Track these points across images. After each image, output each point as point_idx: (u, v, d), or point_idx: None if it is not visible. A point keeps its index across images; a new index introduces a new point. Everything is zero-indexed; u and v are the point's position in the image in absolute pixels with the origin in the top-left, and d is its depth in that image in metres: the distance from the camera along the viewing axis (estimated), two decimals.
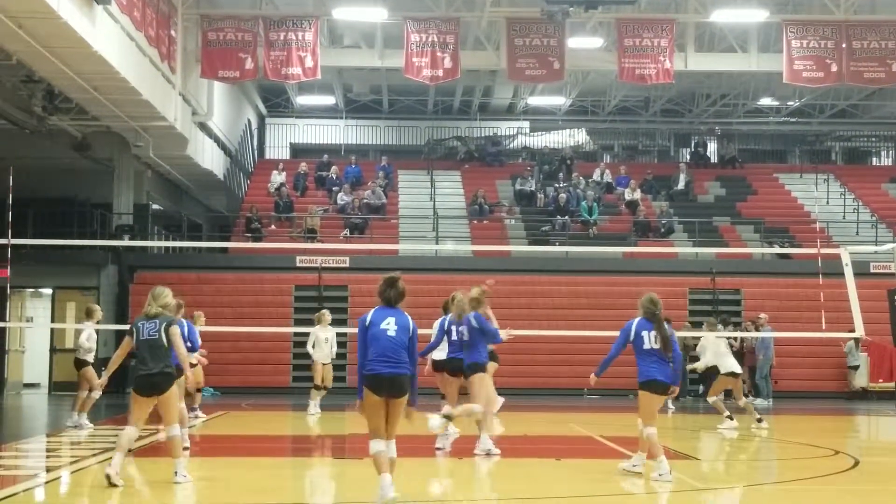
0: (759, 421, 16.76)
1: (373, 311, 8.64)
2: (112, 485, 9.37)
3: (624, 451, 13.07)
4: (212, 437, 15.06)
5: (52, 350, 26.02)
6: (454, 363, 12.62)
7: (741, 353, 23.64)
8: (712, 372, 18.07)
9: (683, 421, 19.54)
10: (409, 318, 8.62)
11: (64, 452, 13.25)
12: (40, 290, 27.71)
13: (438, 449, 12.41)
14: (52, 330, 26.00)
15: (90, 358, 16.25)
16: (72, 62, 19.54)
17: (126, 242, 24.97)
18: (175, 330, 9.96)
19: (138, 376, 9.95)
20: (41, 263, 25.31)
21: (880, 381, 24.46)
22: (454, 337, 12.48)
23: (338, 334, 24.65)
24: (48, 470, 11.49)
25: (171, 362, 9.96)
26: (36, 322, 27.68)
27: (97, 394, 15.57)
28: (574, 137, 38.79)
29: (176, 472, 9.73)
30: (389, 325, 8.46)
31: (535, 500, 9.76)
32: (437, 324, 13.18)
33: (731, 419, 16.53)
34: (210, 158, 29.54)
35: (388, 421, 8.41)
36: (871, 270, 25.66)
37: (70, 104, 23.29)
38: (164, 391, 9.82)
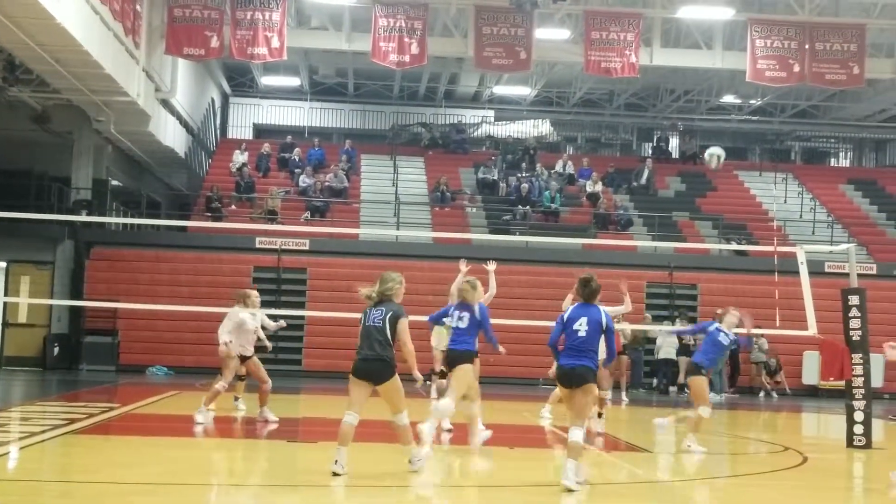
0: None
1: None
2: (335, 474, 9.16)
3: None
4: (164, 417, 14.97)
5: (5, 325, 25.72)
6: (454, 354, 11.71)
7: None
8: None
9: (635, 413, 19.69)
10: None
11: (13, 428, 13.11)
12: None
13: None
14: (5, 304, 25.68)
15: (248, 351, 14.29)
16: (34, 33, 19.26)
17: (83, 218, 24.71)
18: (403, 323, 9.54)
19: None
20: None
21: (831, 379, 24.73)
22: (454, 323, 11.72)
23: (295, 317, 24.71)
24: None
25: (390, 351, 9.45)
26: None
27: (223, 385, 13.85)
28: (538, 128, 38.88)
29: (409, 461, 9.69)
30: (581, 326, 9.26)
31: (485, 489, 9.81)
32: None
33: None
34: (172, 136, 29.28)
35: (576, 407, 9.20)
36: (826, 270, 26.00)
37: (31, 76, 22.97)
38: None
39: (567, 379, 9.26)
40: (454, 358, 11.55)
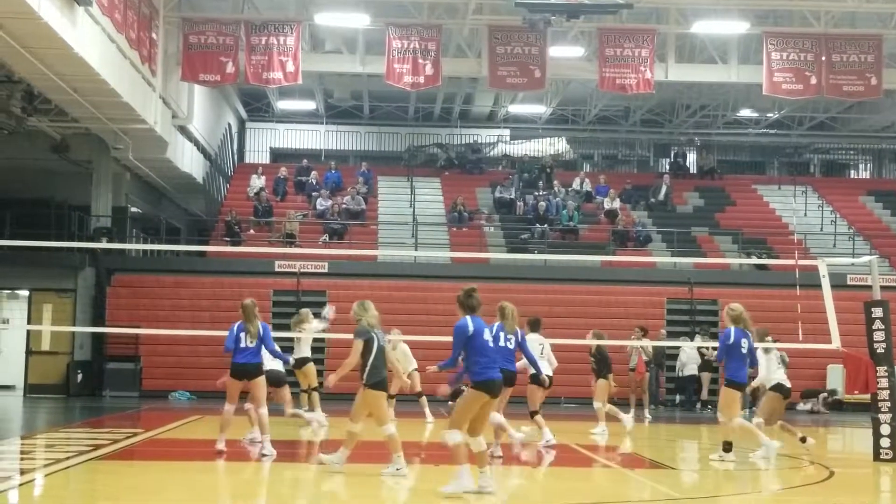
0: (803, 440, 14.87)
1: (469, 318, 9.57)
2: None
3: (598, 458, 13.11)
4: (187, 442, 14.98)
5: (28, 352, 25.84)
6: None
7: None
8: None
9: (659, 430, 19.58)
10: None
11: (39, 455, 13.16)
12: (17, 291, 27.54)
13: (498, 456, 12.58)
14: (28, 332, 25.82)
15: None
16: (52, 63, 19.43)
17: (104, 245, 24.85)
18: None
19: (382, 380, 10.93)
20: (18, 265, 25.19)
21: (856, 392, 24.55)
22: (500, 344, 12.09)
23: (316, 339, 24.69)
24: (22, 472, 11.39)
25: None
26: (12, 324, 27.49)
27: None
28: (554, 146, 38.86)
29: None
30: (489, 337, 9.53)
31: None
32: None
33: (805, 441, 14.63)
34: (190, 162, 29.43)
35: (482, 419, 9.57)
36: (848, 283, 25.80)
37: (49, 105, 23.16)
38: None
39: (499, 388, 9.64)
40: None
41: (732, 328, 12.82)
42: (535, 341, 14.31)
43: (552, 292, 26.75)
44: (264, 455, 12.48)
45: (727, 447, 12.95)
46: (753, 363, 13.15)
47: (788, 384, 14.64)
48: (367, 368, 10.74)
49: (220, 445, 12.60)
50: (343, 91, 36.16)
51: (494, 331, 11.87)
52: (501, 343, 12.08)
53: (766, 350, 14.33)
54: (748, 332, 12.87)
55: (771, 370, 14.43)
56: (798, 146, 39.31)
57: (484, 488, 9.34)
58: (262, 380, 12.83)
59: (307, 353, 16.82)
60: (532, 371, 13.95)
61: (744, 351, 12.76)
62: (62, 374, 25.39)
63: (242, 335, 12.62)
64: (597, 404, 16.98)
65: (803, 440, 14.57)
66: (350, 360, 10.88)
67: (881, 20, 27.03)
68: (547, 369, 14.43)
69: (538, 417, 14.61)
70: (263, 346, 12.74)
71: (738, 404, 13.02)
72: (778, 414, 14.65)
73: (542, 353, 14.39)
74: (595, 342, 17.05)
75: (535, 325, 14.74)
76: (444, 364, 9.91)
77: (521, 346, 12.64)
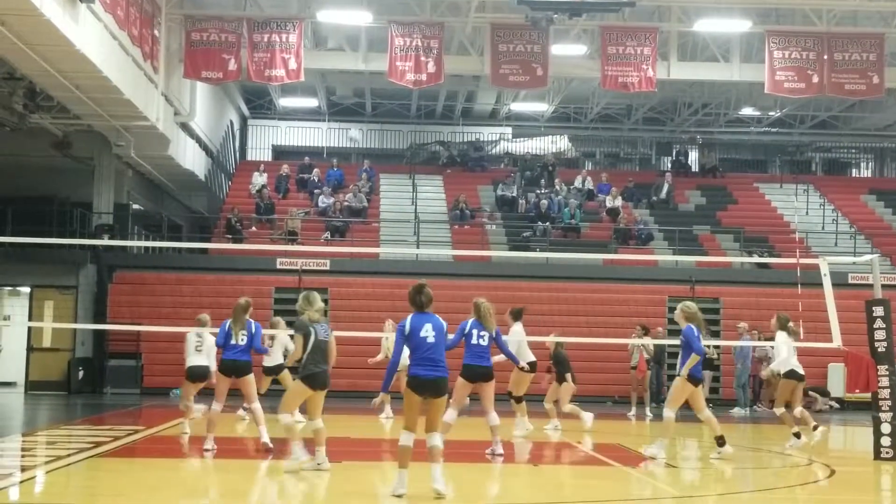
0: (815, 428, 15.30)
1: (410, 317, 9.36)
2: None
3: (601, 457, 13.12)
4: (188, 439, 15.00)
5: (30, 349, 25.86)
6: (474, 370, 12.81)
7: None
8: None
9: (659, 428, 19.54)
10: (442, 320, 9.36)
11: (39, 452, 13.17)
12: (18, 288, 27.57)
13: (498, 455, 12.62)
14: (30, 329, 25.84)
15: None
16: (54, 60, 19.43)
17: (106, 242, 24.85)
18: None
19: (311, 374, 10.82)
20: (20, 261, 25.22)
21: (857, 391, 24.55)
22: (474, 341, 12.70)
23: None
24: (23, 469, 11.41)
25: None
26: (13, 320, 27.52)
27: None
28: (556, 144, 38.85)
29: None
30: (428, 333, 9.19)
31: None
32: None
33: (799, 437, 14.87)
34: (191, 159, 29.44)
35: (430, 417, 9.25)
36: (850, 281, 25.80)
37: (51, 102, 23.17)
38: (327, 387, 10.99)
39: (424, 388, 9.28)
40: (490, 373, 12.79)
41: (692, 326, 12.82)
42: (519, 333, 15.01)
43: (554, 290, 26.75)
44: (268, 450, 12.53)
45: (720, 441, 13.04)
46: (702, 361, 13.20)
47: (802, 370, 14.89)
48: (303, 361, 10.82)
49: (208, 445, 12.62)
50: (345, 88, 36.16)
51: (468, 328, 12.62)
52: (474, 340, 12.59)
53: (791, 334, 14.72)
54: (701, 330, 12.93)
55: (789, 357, 14.75)
56: (800, 145, 39.28)
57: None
58: (251, 377, 12.92)
59: (280, 359, 17.23)
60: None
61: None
62: (63, 371, 25.41)
63: (232, 332, 12.74)
64: (547, 405, 16.98)
65: (797, 435, 14.78)
66: (293, 355, 11.18)
67: (883, 19, 27.01)
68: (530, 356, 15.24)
69: (523, 405, 15.42)
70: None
71: (684, 399, 12.99)
72: (798, 400, 15.12)
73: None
74: (557, 339, 17.26)
75: (517, 315, 15.19)
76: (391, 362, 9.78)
77: (498, 342, 12.93)
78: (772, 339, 15.88)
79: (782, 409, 14.85)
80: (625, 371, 22.66)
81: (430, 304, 9.43)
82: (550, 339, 17.24)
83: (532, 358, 15.36)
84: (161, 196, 31.42)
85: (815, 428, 15.05)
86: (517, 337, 15.09)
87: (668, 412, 13.02)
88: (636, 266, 27.78)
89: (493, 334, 12.76)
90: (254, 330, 12.93)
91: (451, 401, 12.14)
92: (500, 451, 12.81)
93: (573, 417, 16.81)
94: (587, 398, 23.65)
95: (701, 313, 13.12)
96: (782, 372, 14.88)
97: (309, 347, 10.79)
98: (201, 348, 14.50)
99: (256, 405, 12.96)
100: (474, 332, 12.62)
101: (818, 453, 14.28)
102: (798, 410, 15.15)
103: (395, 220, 30.44)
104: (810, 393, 24.29)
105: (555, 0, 23.24)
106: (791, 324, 15.07)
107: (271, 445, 12.61)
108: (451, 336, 11.28)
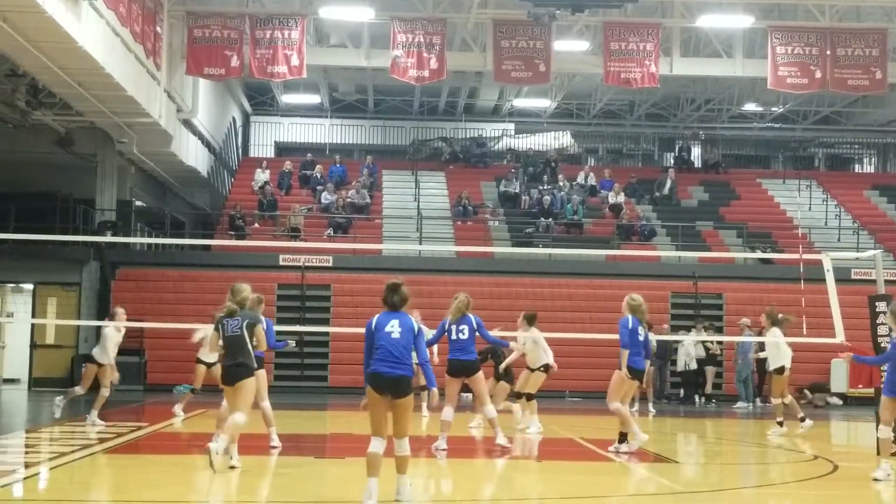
0: (802, 420, 16.23)
1: (378, 315, 8.93)
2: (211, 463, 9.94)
3: (602, 452, 13.13)
4: (191, 436, 15.02)
5: (33, 346, 25.89)
6: (454, 364, 12.87)
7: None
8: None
9: (663, 424, 19.58)
10: (413, 319, 8.95)
11: (43, 448, 13.20)
12: (21, 285, 27.59)
13: (442, 449, 12.45)
14: (33, 325, 25.86)
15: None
16: (56, 57, 19.44)
17: (108, 238, 24.87)
18: (259, 329, 10.72)
19: (223, 368, 10.77)
20: (22, 258, 25.23)
21: (860, 386, 24.65)
22: (453, 336, 12.80)
23: (320, 334, 24.78)
24: (27, 466, 11.43)
25: (251, 357, 10.64)
26: (16, 317, 27.55)
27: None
28: (559, 140, 38.83)
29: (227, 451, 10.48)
30: (394, 328, 8.74)
31: (515, 502, 9.78)
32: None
33: (782, 425, 15.93)
34: (194, 156, 29.45)
35: (395, 419, 8.65)
36: (853, 277, 25.80)
37: (54, 99, 23.19)
38: (239, 381, 10.50)
39: (385, 386, 8.65)
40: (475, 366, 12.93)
41: (630, 317, 12.67)
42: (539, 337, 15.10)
43: (556, 286, 26.75)
44: (273, 447, 12.51)
45: (622, 438, 12.88)
46: (648, 355, 13.19)
47: (789, 364, 16.05)
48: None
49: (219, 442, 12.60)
50: (347, 85, 36.15)
51: (448, 323, 12.80)
52: (454, 335, 12.71)
53: (781, 326, 15.78)
54: (643, 324, 12.88)
55: (783, 352, 15.68)
56: (803, 140, 39.25)
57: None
58: (261, 373, 12.82)
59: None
60: (520, 357, 14.95)
61: (641, 339, 12.71)
62: (67, 368, 25.43)
63: None
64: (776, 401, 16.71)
65: (780, 424, 15.67)
66: (211, 350, 11.76)
67: (886, 14, 26.98)
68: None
69: (523, 401, 15.55)
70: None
71: (625, 390, 12.92)
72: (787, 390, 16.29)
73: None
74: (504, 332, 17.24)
75: (531, 320, 15.23)
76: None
77: (480, 331, 12.98)
78: (762, 333, 16.44)
79: (788, 398, 15.94)
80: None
81: (403, 305, 8.82)
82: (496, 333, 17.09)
83: (546, 361, 15.42)
84: (164, 193, 31.44)
85: (780, 423, 15.95)
86: (528, 342, 15.24)
87: (612, 405, 12.83)
88: (639, 262, 27.75)
89: (474, 325, 12.82)
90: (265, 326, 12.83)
91: (444, 398, 12.21)
92: (504, 441, 12.85)
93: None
94: (589, 394, 23.75)
95: (646, 305, 12.95)
96: (774, 368, 15.80)
97: (220, 342, 10.67)
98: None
99: (265, 403, 12.85)
100: (453, 327, 12.78)
101: (820, 449, 14.28)
102: (788, 399, 16.17)
103: (398, 217, 30.44)
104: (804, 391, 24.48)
105: None
106: (780, 315, 15.57)
107: (278, 444, 12.53)
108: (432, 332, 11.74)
